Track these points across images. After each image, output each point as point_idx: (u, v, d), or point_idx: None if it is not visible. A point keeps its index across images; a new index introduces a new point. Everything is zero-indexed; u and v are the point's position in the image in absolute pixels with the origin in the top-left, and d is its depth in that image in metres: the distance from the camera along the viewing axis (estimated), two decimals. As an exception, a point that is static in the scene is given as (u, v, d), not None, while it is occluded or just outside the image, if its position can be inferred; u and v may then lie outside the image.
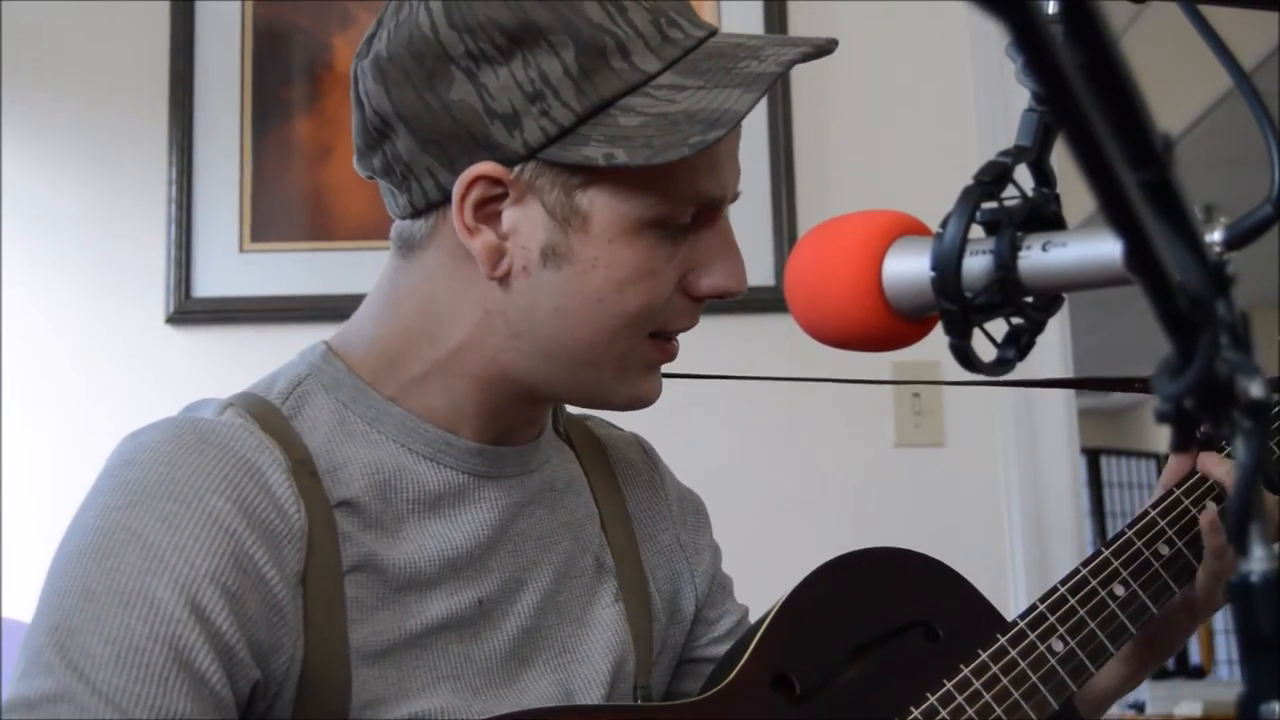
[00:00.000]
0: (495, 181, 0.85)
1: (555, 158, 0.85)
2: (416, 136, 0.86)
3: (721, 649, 1.09)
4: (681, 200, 0.87)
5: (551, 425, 1.02)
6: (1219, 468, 1.06)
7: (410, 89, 0.86)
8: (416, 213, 0.90)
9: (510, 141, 0.85)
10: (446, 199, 0.87)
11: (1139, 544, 1.06)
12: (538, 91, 0.84)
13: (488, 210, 0.87)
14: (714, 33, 0.89)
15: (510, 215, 0.86)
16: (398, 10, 0.88)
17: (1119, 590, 1.04)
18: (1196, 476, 1.09)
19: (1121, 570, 1.05)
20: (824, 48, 0.86)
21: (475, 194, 0.86)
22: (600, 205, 0.86)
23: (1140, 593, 1.04)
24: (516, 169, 0.85)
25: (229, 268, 2.08)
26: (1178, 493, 1.08)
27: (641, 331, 0.89)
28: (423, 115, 0.86)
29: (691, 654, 1.10)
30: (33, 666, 0.78)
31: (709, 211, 0.90)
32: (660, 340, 0.92)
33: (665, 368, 0.96)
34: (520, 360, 0.89)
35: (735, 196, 0.92)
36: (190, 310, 2.07)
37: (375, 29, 0.90)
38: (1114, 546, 1.06)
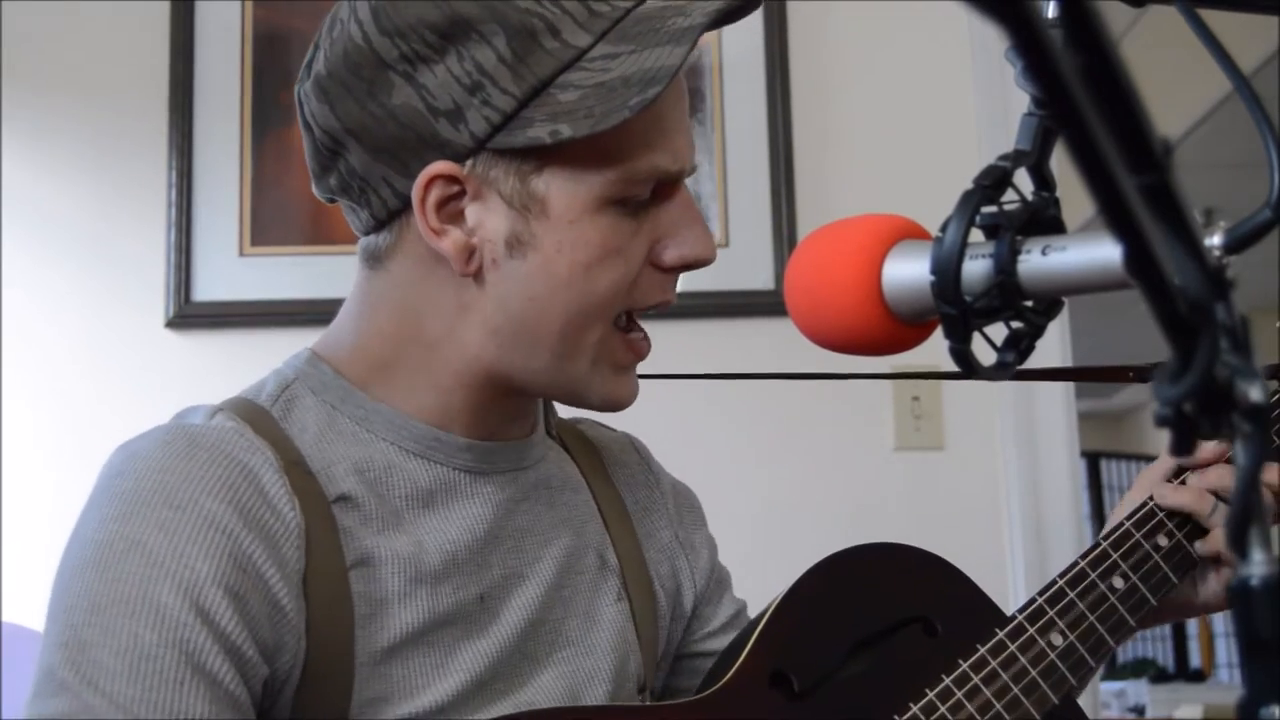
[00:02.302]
0: (451, 179, 0.86)
1: (503, 145, 0.85)
2: (367, 148, 0.87)
3: (718, 643, 1.09)
4: (637, 175, 0.87)
5: (544, 427, 1.02)
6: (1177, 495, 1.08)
7: (353, 101, 0.87)
8: (379, 225, 0.91)
9: (457, 136, 0.85)
10: (406, 206, 0.88)
11: (1138, 536, 1.06)
12: (476, 83, 0.85)
13: (449, 210, 0.87)
14: (640, 1, 0.90)
15: (471, 211, 0.87)
16: (330, 29, 0.89)
17: (1118, 583, 1.04)
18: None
19: (1121, 563, 1.05)
20: None
21: (434, 195, 0.86)
22: (556, 187, 0.87)
23: (1140, 585, 1.04)
24: (469, 164, 0.86)
25: (229, 271, 2.08)
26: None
27: (615, 312, 0.90)
28: (369, 125, 0.87)
29: (688, 649, 1.10)
30: (46, 686, 0.79)
31: (667, 186, 0.90)
32: (631, 337, 0.92)
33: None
34: (500, 356, 0.90)
35: (693, 169, 0.93)
36: (190, 314, 2.06)
37: (313, 53, 0.91)
38: (1113, 539, 1.06)
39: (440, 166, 0.86)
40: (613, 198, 0.87)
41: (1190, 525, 1.07)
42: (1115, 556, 1.05)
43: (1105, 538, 1.06)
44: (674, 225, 0.91)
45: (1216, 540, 1.06)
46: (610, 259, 0.88)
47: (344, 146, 0.88)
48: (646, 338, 0.94)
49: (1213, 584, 1.08)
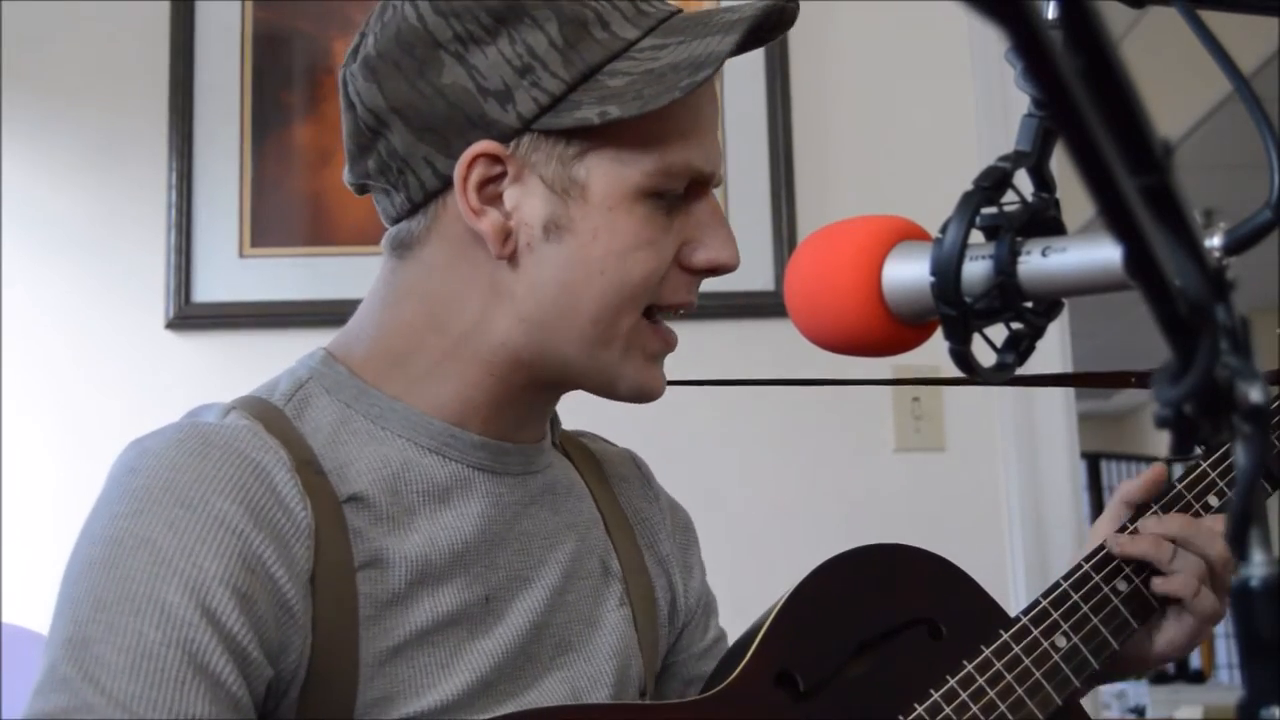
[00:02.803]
0: (494, 160, 0.87)
1: (550, 126, 0.87)
2: (412, 126, 0.88)
3: (696, 667, 1.09)
4: (674, 168, 0.89)
5: (549, 438, 1.02)
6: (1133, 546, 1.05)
7: (402, 80, 0.88)
8: (414, 208, 0.92)
9: (504, 117, 0.87)
10: (445, 187, 0.89)
11: (1097, 578, 1.06)
12: (526, 65, 0.86)
13: (489, 191, 0.88)
14: (679, 11, 0.93)
15: (511, 193, 0.88)
16: (381, 14, 0.92)
17: (1122, 585, 1.04)
18: (1199, 470, 1.09)
19: (1124, 565, 1.05)
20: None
21: (476, 174, 0.87)
22: (598, 173, 0.88)
23: (1143, 588, 1.05)
24: (513, 144, 0.87)
25: (229, 272, 2.08)
26: (1179, 487, 1.09)
27: (643, 304, 0.91)
28: (417, 104, 0.88)
29: (667, 663, 1.10)
30: (49, 681, 0.79)
31: (699, 187, 0.92)
32: (660, 326, 0.93)
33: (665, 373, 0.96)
34: (529, 343, 0.90)
35: (720, 179, 0.95)
36: (190, 315, 2.06)
37: (359, 39, 0.93)
38: (1096, 559, 1.06)
39: (485, 146, 0.87)
40: (650, 189, 0.89)
41: (1148, 572, 1.06)
42: (1119, 558, 1.05)
43: (1088, 560, 1.06)
44: (702, 228, 0.92)
45: (1178, 583, 1.04)
46: (643, 249, 0.89)
47: (387, 126, 0.89)
48: (672, 330, 0.95)
49: (1170, 630, 1.06)
